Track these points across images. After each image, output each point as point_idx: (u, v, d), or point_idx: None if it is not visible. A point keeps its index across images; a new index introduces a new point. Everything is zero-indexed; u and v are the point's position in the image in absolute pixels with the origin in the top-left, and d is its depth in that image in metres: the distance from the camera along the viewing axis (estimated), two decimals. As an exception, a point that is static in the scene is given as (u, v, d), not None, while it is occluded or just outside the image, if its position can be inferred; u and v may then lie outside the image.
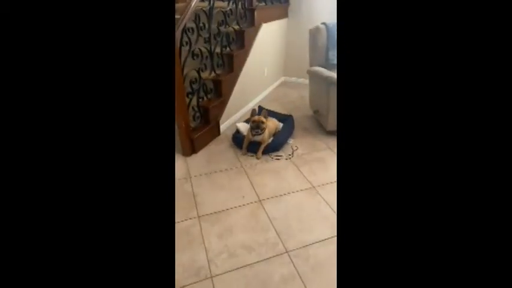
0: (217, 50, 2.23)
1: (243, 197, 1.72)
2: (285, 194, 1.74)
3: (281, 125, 2.46)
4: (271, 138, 2.27)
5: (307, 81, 2.82)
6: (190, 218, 1.56)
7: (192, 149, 2.13)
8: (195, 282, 1.21)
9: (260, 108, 2.66)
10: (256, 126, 2.10)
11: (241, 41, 2.49)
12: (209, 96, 2.28)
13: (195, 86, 2.06)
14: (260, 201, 1.69)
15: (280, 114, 2.62)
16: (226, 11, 2.23)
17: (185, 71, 1.93)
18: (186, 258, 1.31)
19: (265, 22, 2.84)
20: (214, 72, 2.26)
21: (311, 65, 2.61)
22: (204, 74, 2.16)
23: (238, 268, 1.27)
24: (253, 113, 2.17)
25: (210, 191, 1.77)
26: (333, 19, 2.74)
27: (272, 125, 2.30)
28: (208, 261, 1.30)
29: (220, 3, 2.25)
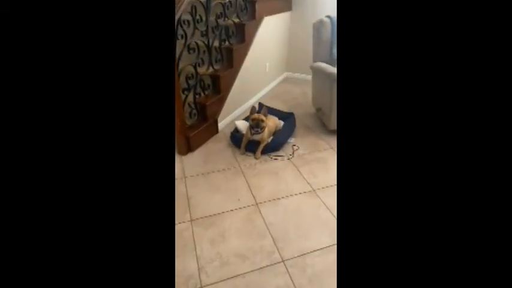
0: (216, 44, 2.12)
1: (239, 199, 1.63)
2: (283, 197, 1.66)
3: (282, 123, 2.36)
4: (271, 137, 2.18)
5: (310, 77, 2.70)
6: (183, 222, 1.48)
7: (188, 147, 2.05)
8: (183, 293, 1.14)
9: (260, 105, 2.56)
10: (256, 125, 2.01)
11: (242, 35, 2.38)
12: (207, 92, 2.19)
13: (191, 82, 1.96)
14: (257, 204, 1.60)
15: (281, 111, 2.51)
16: (225, 3, 2.12)
17: (180, 66, 1.84)
18: (176, 266, 1.24)
19: (267, 15, 2.72)
20: (212, 67, 2.16)
21: (314, 61, 2.49)
22: (201, 69, 2.06)
23: (229, 278, 1.19)
24: (252, 110, 2.08)
25: (205, 192, 1.69)
26: (339, 12, 2.61)
27: (272, 123, 2.20)
28: (198, 269, 1.23)
29: (219, -5, 2.14)
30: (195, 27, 1.86)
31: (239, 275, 1.20)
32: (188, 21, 1.79)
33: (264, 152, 2.06)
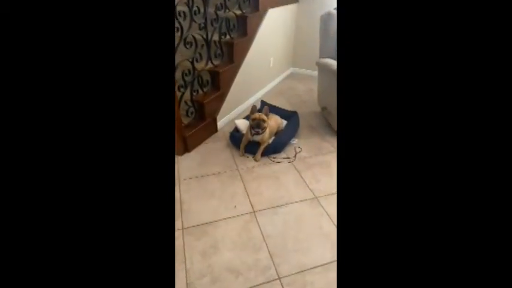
0: (215, 37, 1.99)
1: (235, 206, 1.53)
2: (282, 205, 1.54)
3: (284, 122, 2.23)
4: (273, 138, 2.05)
5: (317, 73, 2.55)
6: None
7: (184, 147, 1.95)
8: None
9: (263, 103, 2.43)
10: (257, 125, 1.89)
11: (244, 28, 2.24)
12: (205, 89, 2.07)
13: (188, 78, 1.84)
14: (254, 212, 1.49)
15: (284, 110, 2.38)
16: (226, -6, 1.98)
17: (176, 61, 1.72)
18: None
19: (272, 7, 2.57)
20: (211, 62, 2.03)
21: (321, 56, 2.34)
22: (200, 65, 1.93)
23: (220, 297, 1.09)
24: (253, 109, 1.95)
25: (200, 198, 1.59)
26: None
27: (274, 123, 2.07)
28: (187, 284, 1.13)
29: (220, -16, 2.00)
30: (192, 20, 1.73)
31: (230, 293, 1.10)
32: (184, 12, 1.66)
33: (264, 154, 1.95)
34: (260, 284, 1.14)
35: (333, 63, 2.06)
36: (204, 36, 1.88)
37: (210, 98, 2.04)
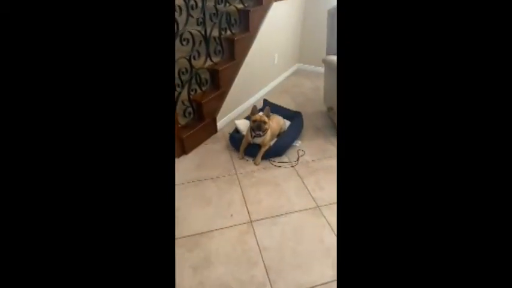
0: (215, 33, 1.88)
1: (231, 215, 1.44)
2: (281, 215, 1.44)
3: (287, 123, 2.12)
4: (274, 140, 1.95)
5: (324, 69, 2.42)
6: (165, 240, 1.30)
7: (182, 149, 1.86)
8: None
9: (265, 102, 2.32)
10: (257, 127, 1.78)
11: (246, 23, 2.12)
12: (204, 88, 1.97)
13: (184, 77, 1.75)
14: (251, 222, 1.40)
15: (287, 110, 2.26)
16: (226, -14, 1.86)
17: (172, 59, 1.62)
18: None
19: (276, 0, 2.43)
20: (211, 59, 1.92)
21: (328, 53, 2.20)
22: (198, 63, 1.83)
23: (210, 319, 1.01)
24: (253, 110, 1.85)
25: (195, 205, 1.50)
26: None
27: (276, 124, 1.96)
28: (176, 302, 1.06)
29: (220, -24, 1.88)
30: (189, 14, 1.62)
31: (221, 315, 1.02)
32: (180, 6, 1.55)
33: (265, 157, 1.84)
34: (254, 304, 1.05)
35: (340, 60, 1.93)
36: (203, 32, 1.77)
37: (209, 98, 1.95)
